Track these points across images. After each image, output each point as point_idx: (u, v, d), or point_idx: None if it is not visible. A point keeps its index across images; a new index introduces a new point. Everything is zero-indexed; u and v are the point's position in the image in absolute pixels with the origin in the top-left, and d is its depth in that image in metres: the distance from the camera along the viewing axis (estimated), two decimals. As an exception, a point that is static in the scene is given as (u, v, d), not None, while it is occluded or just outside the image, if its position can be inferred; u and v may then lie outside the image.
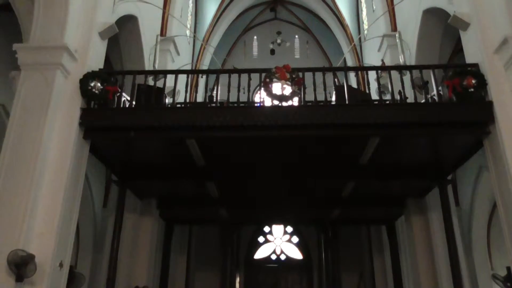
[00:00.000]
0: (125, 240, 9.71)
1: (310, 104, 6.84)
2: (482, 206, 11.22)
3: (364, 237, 14.33)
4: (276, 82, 6.96)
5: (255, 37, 21.37)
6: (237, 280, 15.44)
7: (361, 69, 7.67)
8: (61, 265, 6.23)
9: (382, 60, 11.61)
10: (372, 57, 13.63)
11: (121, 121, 6.76)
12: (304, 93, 7.07)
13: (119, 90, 7.06)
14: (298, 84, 6.78)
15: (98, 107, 6.93)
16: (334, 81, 7.42)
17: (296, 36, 21.27)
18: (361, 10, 16.51)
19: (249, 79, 7.22)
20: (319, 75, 7.35)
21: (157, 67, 10.50)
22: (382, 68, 7.71)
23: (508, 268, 6.71)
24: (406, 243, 11.05)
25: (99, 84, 6.78)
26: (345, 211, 11.25)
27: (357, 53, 15.83)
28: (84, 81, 6.75)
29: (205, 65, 16.39)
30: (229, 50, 20.38)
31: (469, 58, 7.28)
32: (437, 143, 7.29)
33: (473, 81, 6.59)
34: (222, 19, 17.98)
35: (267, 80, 6.85)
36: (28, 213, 5.94)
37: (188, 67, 14.40)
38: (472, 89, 6.57)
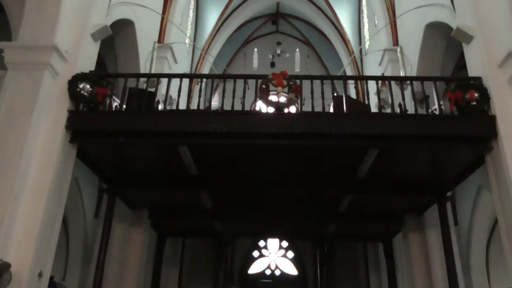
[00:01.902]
0: (114, 251, 9.42)
1: (308, 112, 6.57)
2: (481, 226, 11.01)
3: (361, 254, 14.02)
4: (273, 92, 6.74)
5: (255, 49, 21.25)
6: (231, 295, 15.08)
7: (361, 78, 7.45)
8: (40, 275, 5.91)
9: (383, 74, 11.45)
10: (373, 72, 13.42)
11: (110, 125, 6.50)
12: (302, 104, 6.85)
13: (109, 93, 6.82)
14: (295, 91, 6.56)
15: (86, 110, 6.68)
16: (333, 92, 7.19)
17: (297, 50, 21.15)
18: (363, 25, 16.42)
19: (245, 83, 7.00)
20: (317, 85, 7.11)
21: (153, 74, 10.32)
22: (382, 78, 7.52)
23: (510, 290, 6.41)
24: (403, 261, 10.77)
25: (88, 86, 6.54)
26: (341, 226, 10.97)
27: (358, 67, 15.67)
28: (73, 82, 6.51)
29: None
30: (229, 62, 20.22)
31: (472, 72, 7.07)
32: (437, 157, 7.03)
33: (476, 95, 6.38)
34: (222, 30, 17.85)
35: (264, 86, 6.63)
36: (7, 218, 5.65)
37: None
38: (474, 103, 6.35)
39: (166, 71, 11.89)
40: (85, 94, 6.52)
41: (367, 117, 6.57)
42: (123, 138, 6.46)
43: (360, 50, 15.45)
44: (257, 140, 6.44)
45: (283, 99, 6.54)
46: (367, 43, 15.27)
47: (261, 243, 16.29)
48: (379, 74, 11.83)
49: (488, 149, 6.35)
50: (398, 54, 10.85)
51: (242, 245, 15.94)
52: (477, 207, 10.88)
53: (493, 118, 6.28)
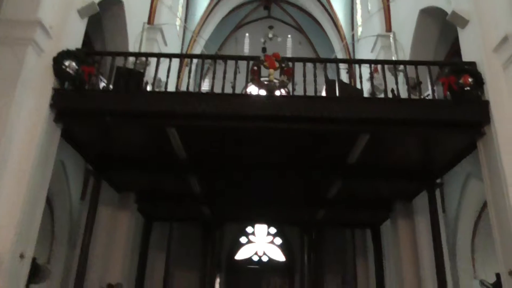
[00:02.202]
0: (100, 235, 9.27)
1: (300, 96, 6.42)
2: (468, 214, 11.13)
3: (349, 241, 14.06)
4: (264, 78, 6.57)
5: (247, 34, 20.97)
6: (217, 280, 15.05)
7: (354, 61, 7.27)
8: (22, 256, 5.75)
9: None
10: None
11: (96, 104, 6.29)
12: (293, 89, 6.70)
13: (96, 72, 6.60)
14: (287, 73, 6.41)
15: (72, 88, 6.45)
16: (325, 76, 7.05)
17: (289, 36, 20.92)
18: (356, 11, 16.24)
19: (236, 65, 6.84)
20: (309, 71, 6.92)
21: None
22: (376, 62, 7.39)
23: (497, 275, 6.41)
24: (390, 247, 10.82)
25: (74, 64, 6.31)
26: (330, 212, 10.93)
27: (350, 54, 15.51)
28: (59, 59, 6.27)
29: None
30: (219, 47, 19.93)
31: (466, 57, 6.98)
32: (428, 143, 6.97)
33: (470, 80, 6.29)
34: (213, 14, 17.54)
35: (255, 68, 6.46)
36: (-12, 198, 5.47)
37: (176, 60, 13.91)
38: (468, 88, 6.26)
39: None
40: (71, 72, 6.30)
41: (360, 101, 6.45)
42: (110, 118, 6.27)
43: (353, 36, 15.28)
44: (247, 123, 6.29)
45: (274, 82, 6.40)
46: (360, 29, 15.12)
47: (249, 229, 16.25)
48: (371, 60, 11.72)
49: (480, 135, 6.28)
50: (391, 40, 10.72)
51: (230, 231, 15.87)
52: (464, 195, 10.90)
53: (486, 103, 6.21)
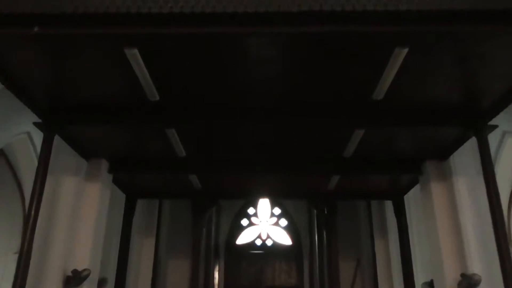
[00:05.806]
0: (63, 212, 7.43)
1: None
2: (503, 177, 9.91)
3: (364, 216, 12.23)
4: None
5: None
6: (217, 267, 13.33)
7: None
8: None
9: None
10: None
11: (17, 7, 4.37)
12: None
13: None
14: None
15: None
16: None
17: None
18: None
19: None
20: None
21: None
22: None
23: None
24: (420, 219, 9.07)
25: (-14, -45, 4.45)
26: (345, 179, 9.05)
27: None
28: None
29: None
30: None
31: None
32: (484, 60, 5.00)
33: (552, -43, 4.38)
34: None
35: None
36: None
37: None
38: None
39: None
40: (-20, -36, 4.42)
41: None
42: (38, 27, 4.36)
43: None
44: (233, 28, 4.37)
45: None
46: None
47: (251, 210, 14.56)
48: None
49: None
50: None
51: (229, 213, 14.21)
52: (499, 157, 9.72)
53: None
